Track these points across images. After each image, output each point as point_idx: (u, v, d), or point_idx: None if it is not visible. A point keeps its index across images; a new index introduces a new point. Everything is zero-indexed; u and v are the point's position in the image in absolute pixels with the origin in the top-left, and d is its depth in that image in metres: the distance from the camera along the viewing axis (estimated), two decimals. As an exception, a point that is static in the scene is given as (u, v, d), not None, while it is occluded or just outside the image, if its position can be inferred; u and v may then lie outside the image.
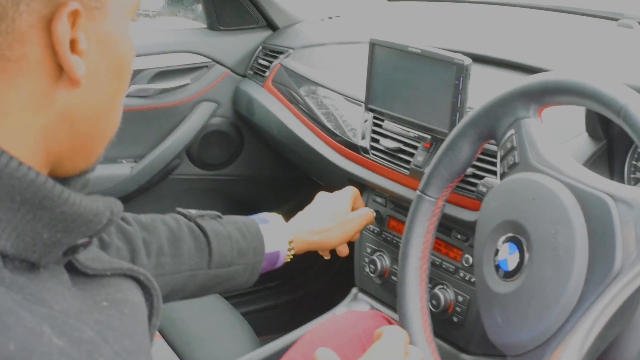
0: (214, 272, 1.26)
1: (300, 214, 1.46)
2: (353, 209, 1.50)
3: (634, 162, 1.31)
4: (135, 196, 2.19)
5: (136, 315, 0.79)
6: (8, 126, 0.66)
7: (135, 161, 2.18)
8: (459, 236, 1.45)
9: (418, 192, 1.23)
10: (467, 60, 1.36)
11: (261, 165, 2.36)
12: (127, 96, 1.29)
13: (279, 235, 1.36)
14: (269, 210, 1.45)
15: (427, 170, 1.22)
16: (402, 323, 1.22)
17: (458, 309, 1.47)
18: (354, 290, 1.73)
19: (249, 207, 2.25)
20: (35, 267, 0.68)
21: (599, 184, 0.98)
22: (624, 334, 1.02)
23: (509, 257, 1.05)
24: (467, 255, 1.45)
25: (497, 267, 1.06)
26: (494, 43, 1.74)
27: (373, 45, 1.52)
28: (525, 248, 1.03)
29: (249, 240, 1.30)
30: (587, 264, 0.95)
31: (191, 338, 1.68)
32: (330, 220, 1.43)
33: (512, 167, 1.10)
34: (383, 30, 1.65)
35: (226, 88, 2.26)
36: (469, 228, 1.38)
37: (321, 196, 1.49)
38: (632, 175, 1.30)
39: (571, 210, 0.98)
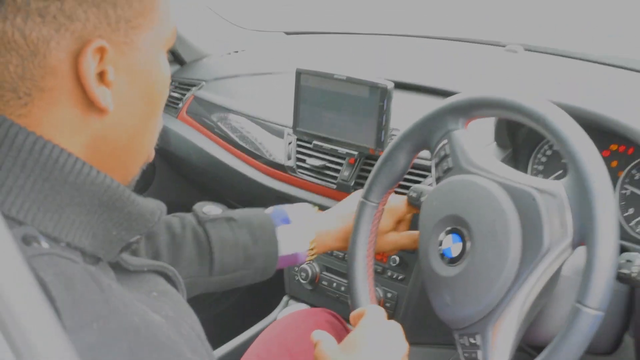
0: (216, 279, 1.29)
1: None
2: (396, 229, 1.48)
3: (535, 166, 1.53)
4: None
5: (183, 302, 0.91)
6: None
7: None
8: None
9: (361, 199, 1.40)
10: (390, 85, 1.56)
11: (173, 192, 2.46)
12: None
13: (299, 237, 1.37)
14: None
15: (368, 179, 1.40)
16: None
17: (388, 305, 1.65)
18: (285, 298, 1.88)
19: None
20: (94, 263, 0.79)
21: (524, 180, 1.18)
22: (548, 303, 1.23)
23: (452, 245, 1.23)
24: (393, 257, 1.64)
25: (442, 255, 1.24)
26: (391, 70, 1.95)
27: (299, 73, 1.70)
28: (466, 237, 1.21)
29: (261, 245, 1.32)
30: (521, 246, 1.14)
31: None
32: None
33: (447, 171, 1.28)
34: (292, 61, 1.83)
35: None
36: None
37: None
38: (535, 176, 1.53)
39: (504, 203, 1.17)
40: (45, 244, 0.72)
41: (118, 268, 0.86)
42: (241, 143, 1.98)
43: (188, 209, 1.35)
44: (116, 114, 0.80)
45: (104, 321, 0.69)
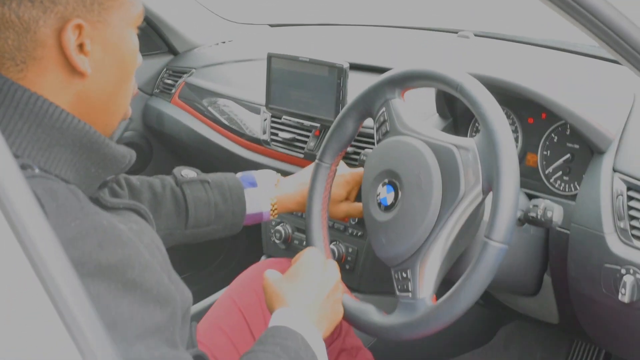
0: (190, 232, 1.49)
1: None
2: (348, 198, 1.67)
3: (473, 134, 1.75)
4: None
5: (150, 229, 1.13)
6: None
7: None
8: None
9: (316, 161, 1.61)
10: (346, 65, 1.79)
11: (168, 170, 2.67)
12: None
13: (264, 199, 1.57)
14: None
15: (322, 144, 1.60)
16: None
17: (349, 259, 1.87)
18: (263, 257, 2.11)
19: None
20: None
21: (446, 138, 1.38)
22: (468, 248, 1.43)
23: (387, 195, 1.43)
24: (353, 215, 1.86)
25: (380, 204, 1.45)
26: (360, 54, 2.18)
27: (270, 57, 1.92)
28: (398, 187, 1.41)
29: (230, 204, 1.52)
30: (441, 193, 1.34)
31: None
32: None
33: (385, 134, 1.49)
34: (273, 49, 2.05)
35: (136, 105, 2.58)
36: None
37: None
38: (472, 143, 1.74)
39: (428, 158, 1.36)
40: (37, 171, 0.95)
41: (98, 204, 1.07)
42: (226, 122, 2.22)
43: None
44: (94, 77, 1.02)
45: (80, 221, 0.92)
